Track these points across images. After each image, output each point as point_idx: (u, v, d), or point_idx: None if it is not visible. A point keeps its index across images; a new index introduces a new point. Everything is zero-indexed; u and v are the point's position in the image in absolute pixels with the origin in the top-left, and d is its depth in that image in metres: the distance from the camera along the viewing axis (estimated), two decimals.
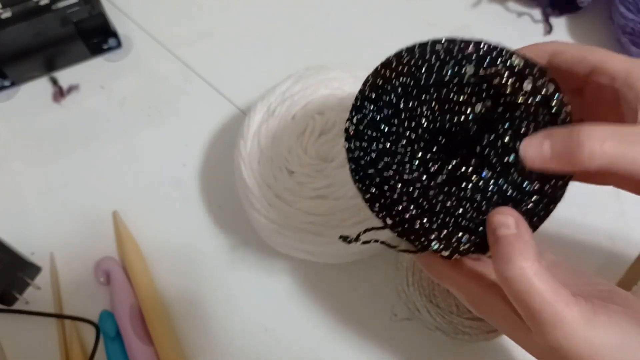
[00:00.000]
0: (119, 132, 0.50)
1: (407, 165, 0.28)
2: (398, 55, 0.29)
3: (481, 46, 0.28)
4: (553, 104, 0.27)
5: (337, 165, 0.41)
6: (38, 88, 0.52)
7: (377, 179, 0.28)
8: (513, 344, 0.42)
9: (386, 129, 0.28)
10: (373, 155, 0.28)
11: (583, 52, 0.29)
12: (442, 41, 0.28)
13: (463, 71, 0.27)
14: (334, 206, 0.40)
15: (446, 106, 0.27)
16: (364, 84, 0.29)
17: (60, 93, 0.52)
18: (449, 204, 0.27)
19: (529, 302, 0.24)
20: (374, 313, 0.43)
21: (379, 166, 0.28)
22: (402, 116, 0.28)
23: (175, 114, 0.51)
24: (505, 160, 0.27)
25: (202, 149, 0.49)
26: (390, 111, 0.28)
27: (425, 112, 0.28)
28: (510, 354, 0.42)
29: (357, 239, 0.31)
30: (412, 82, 0.28)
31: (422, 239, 0.28)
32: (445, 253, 0.28)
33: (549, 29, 0.53)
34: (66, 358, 0.42)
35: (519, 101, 0.27)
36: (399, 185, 0.28)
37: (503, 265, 0.24)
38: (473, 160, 0.27)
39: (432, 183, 0.28)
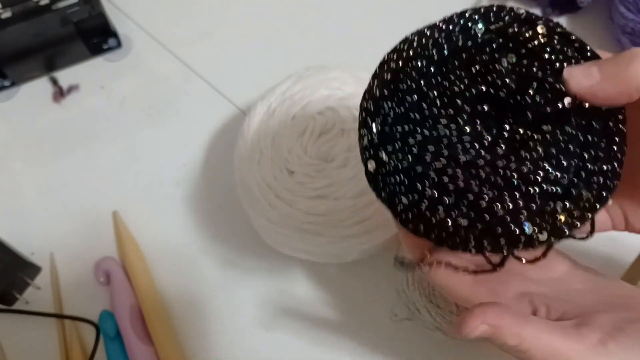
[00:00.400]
0: (119, 132, 0.50)
1: (459, 146, 0.23)
2: (395, 49, 0.25)
3: (479, 8, 0.25)
4: (574, 39, 0.24)
5: (337, 165, 0.41)
6: (38, 88, 0.52)
7: (432, 174, 0.23)
8: None
9: (418, 116, 0.24)
10: (415, 150, 0.23)
11: None
12: (436, 21, 0.25)
13: (473, 32, 0.24)
14: (334, 206, 0.40)
15: (473, 70, 0.24)
16: (369, 91, 0.25)
17: (60, 93, 0.52)
18: (525, 170, 0.23)
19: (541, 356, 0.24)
20: (374, 313, 0.43)
21: (427, 158, 0.23)
22: (431, 94, 0.24)
23: (175, 114, 0.51)
24: (560, 105, 0.23)
25: (202, 149, 0.49)
26: (414, 97, 0.24)
27: (455, 82, 0.24)
28: (510, 355, 0.42)
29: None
30: (425, 62, 0.24)
31: (512, 226, 0.23)
32: (543, 236, 0.23)
33: None
34: (66, 358, 0.42)
35: (542, 44, 0.24)
36: (459, 170, 0.23)
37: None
38: (527, 116, 0.23)
39: (495, 156, 0.23)
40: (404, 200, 0.24)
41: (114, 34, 0.52)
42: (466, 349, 0.41)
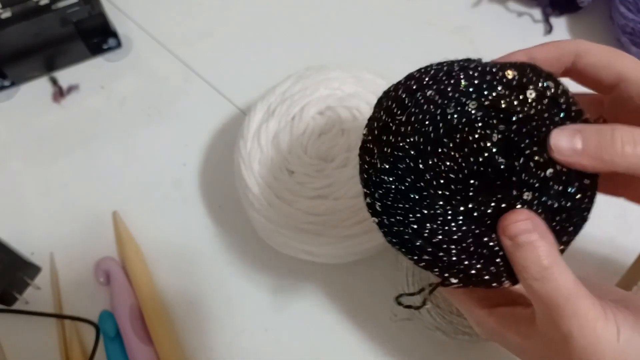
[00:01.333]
0: (119, 132, 0.50)
1: (453, 224, 0.26)
2: (390, 114, 0.27)
3: (470, 73, 0.26)
4: (562, 102, 0.26)
5: (337, 165, 0.41)
6: (38, 88, 0.52)
7: (429, 249, 0.26)
8: None
9: (417, 196, 0.26)
10: (414, 226, 0.26)
11: (609, 56, 0.27)
12: (430, 84, 0.26)
13: (467, 109, 0.26)
14: (334, 206, 0.40)
15: (465, 149, 0.26)
16: (370, 154, 0.27)
17: (60, 93, 0.52)
18: None
19: (550, 300, 0.24)
20: (373, 313, 0.43)
21: (425, 234, 0.26)
22: (427, 177, 0.26)
23: (175, 114, 0.51)
24: (542, 175, 0.25)
25: (202, 149, 0.49)
26: (412, 176, 0.26)
27: (449, 164, 0.26)
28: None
29: (423, 303, 0.29)
30: (422, 139, 0.26)
31: (494, 283, 0.26)
32: (518, 284, 0.27)
33: (549, 29, 0.53)
34: (66, 358, 0.42)
35: (531, 113, 0.26)
36: (453, 246, 0.26)
37: (529, 271, 0.25)
38: (513, 190, 0.26)
39: (483, 228, 0.26)
40: (403, 253, 0.27)
41: (114, 34, 0.52)
42: (466, 349, 0.42)
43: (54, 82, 0.53)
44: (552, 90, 0.26)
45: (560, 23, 0.54)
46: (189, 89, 0.52)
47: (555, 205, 0.26)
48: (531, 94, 0.26)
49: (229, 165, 0.44)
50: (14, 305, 0.43)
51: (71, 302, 0.44)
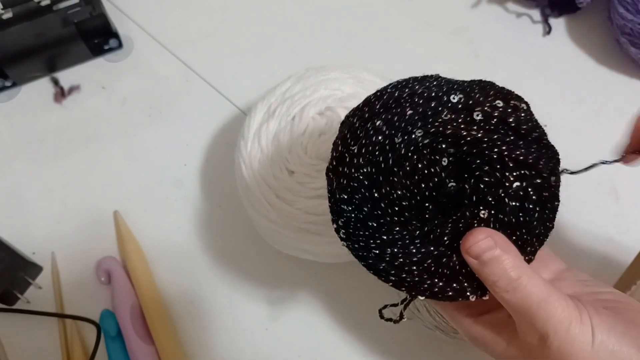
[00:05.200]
0: (120, 132, 0.51)
1: (412, 247, 0.27)
2: (345, 144, 0.28)
3: (416, 100, 0.27)
4: (511, 120, 0.26)
5: None
6: (39, 88, 0.53)
7: (392, 271, 0.27)
8: None
9: (374, 224, 0.27)
10: (376, 251, 0.27)
11: None
12: (379, 113, 0.27)
13: (414, 136, 0.26)
14: None
15: (416, 176, 0.26)
16: (330, 183, 0.28)
17: (61, 93, 0.52)
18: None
19: (524, 307, 0.25)
20: (373, 313, 0.43)
21: (387, 258, 0.27)
22: (382, 205, 0.27)
23: (176, 114, 0.51)
24: (497, 194, 0.26)
25: (202, 149, 0.50)
26: (368, 205, 0.27)
27: (401, 192, 0.27)
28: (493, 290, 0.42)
29: (400, 317, 0.30)
30: (374, 169, 0.27)
31: (460, 298, 0.27)
32: (485, 297, 0.28)
33: (548, 30, 0.53)
34: (67, 357, 0.42)
35: (479, 135, 0.26)
36: (414, 267, 0.27)
37: (499, 285, 0.26)
38: (468, 210, 0.26)
39: (442, 248, 0.27)
40: (374, 274, 0.28)
41: (115, 35, 0.52)
42: (466, 348, 0.42)
43: (56, 82, 0.53)
44: (501, 109, 0.26)
45: (559, 24, 0.54)
46: (189, 90, 0.52)
47: (514, 220, 0.26)
48: (477, 116, 0.26)
49: (229, 165, 0.44)
50: (15, 305, 0.43)
51: (72, 302, 0.44)
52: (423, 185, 0.26)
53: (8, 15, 0.48)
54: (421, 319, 0.40)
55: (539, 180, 0.26)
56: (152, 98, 0.52)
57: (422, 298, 0.28)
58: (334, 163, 0.28)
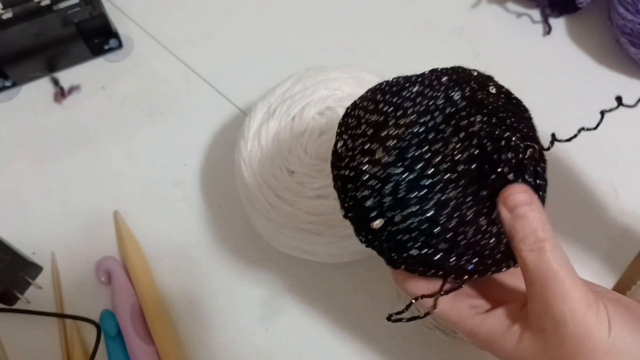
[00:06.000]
0: (120, 132, 0.51)
1: (463, 207, 0.26)
2: (382, 112, 0.28)
3: (447, 71, 0.29)
4: (513, 96, 0.29)
5: None
6: (39, 88, 0.53)
7: (448, 235, 0.26)
8: None
9: (428, 182, 0.26)
10: (429, 213, 0.26)
11: None
12: (413, 82, 0.28)
13: (454, 99, 0.27)
14: (334, 206, 0.40)
15: (460, 134, 0.27)
16: (371, 152, 0.27)
17: (61, 93, 0.52)
18: None
19: (543, 274, 0.25)
20: (373, 313, 0.43)
21: (442, 220, 0.26)
22: (435, 161, 0.26)
23: (176, 114, 0.51)
24: (518, 158, 0.27)
25: (202, 149, 0.50)
26: (421, 163, 0.26)
27: (451, 147, 0.27)
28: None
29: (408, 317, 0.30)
30: (422, 129, 0.27)
31: (504, 264, 0.27)
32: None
33: (548, 30, 0.53)
34: (67, 357, 0.42)
35: (499, 104, 0.28)
36: (468, 227, 0.26)
37: (526, 242, 0.25)
38: (501, 171, 0.27)
39: (486, 210, 0.27)
40: (414, 252, 0.27)
41: (115, 35, 0.52)
42: (466, 348, 0.42)
43: (56, 82, 0.53)
44: (503, 88, 0.29)
45: (559, 24, 0.54)
46: (189, 90, 0.52)
47: (532, 183, 0.27)
48: (492, 89, 0.28)
49: (229, 165, 0.44)
50: (15, 305, 0.43)
51: (72, 302, 0.44)
52: (467, 144, 0.27)
53: (8, 15, 0.48)
54: (421, 319, 0.39)
55: (536, 146, 0.28)
56: (152, 98, 0.52)
57: (470, 267, 0.27)
58: (371, 132, 0.28)
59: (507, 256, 0.27)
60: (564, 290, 0.24)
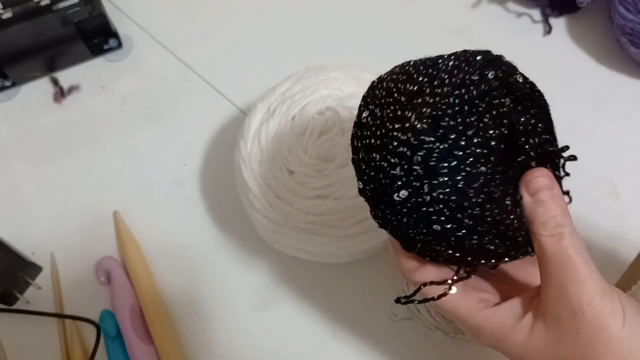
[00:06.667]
0: (120, 132, 0.51)
1: (492, 184, 0.26)
2: (417, 82, 0.27)
3: (481, 51, 0.29)
4: (536, 89, 0.29)
5: (337, 165, 0.41)
6: (39, 88, 0.53)
7: (475, 210, 0.26)
8: None
9: (461, 153, 0.26)
10: (460, 184, 0.25)
11: None
12: (449, 57, 0.29)
13: (488, 77, 0.27)
14: (334, 206, 0.40)
15: (493, 112, 0.27)
16: (403, 120, 0.26)
17: (61, 93, 0.52)
18: None
19: (561, 261, 0.25)
20: (373, 313, 0.43)
21: (470, 194, 0.26)
22: (469, 133, 0.26)
23: (176, 114, 0.51)
24: (539, 141, 0.27)
25: (202, 149, 0.50)
26: (454, 134, 0.26)
27: (484, 123, 0.26)
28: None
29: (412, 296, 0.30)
30: (457, 100, 0.26)
31: (523, 249, 0.27)
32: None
33: (548, 30, 0.53)
34: (67, 357, 0.42)
35: (527, 91, 0.28)
36: (494, 205, 0.26)
37: (546, 227, 0.25)
38: (526, 154, 0.27)
39: (511, 190, 0.26)
40: (437, 227, 0.26)
41: (115, 35, 0.52)
42: (465, 348, 0.42)
43: (55, 82, 0.53)
44: (528, 79, 0.29)
45: (559, 23, 0.54)
46: (189, 89, 0.52)
47: (554, 173, 0.27)
48: (519, 78, 0.28)
49: (229, 165, 0.44)
50: (15, 305, 0.43)
51: (72, 302, 0.44)
52: (498, 121, 0.27)
53: (8, 15, 0.48)
54: (421, 319, 0.40)
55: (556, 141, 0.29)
56: (152, 98, 0.52)
57: (491, 247, 0.27)
58: (405, 98, 0.27)
59: (526, 242, 0.27)
60: (581, 278, 0.24)
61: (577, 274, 0.24)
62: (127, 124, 0.51)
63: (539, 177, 0.26)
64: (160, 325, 0.42)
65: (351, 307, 0.43)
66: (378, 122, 0.27)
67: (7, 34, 0.48)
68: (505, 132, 0.27)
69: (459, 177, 0.25)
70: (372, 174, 0.27)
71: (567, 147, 0.29)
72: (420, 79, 0.27)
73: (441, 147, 0.26)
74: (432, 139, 0.26)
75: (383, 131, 0.27)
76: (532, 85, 0.29)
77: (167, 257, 0.45)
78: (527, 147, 0.27)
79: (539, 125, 0.28)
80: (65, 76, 0.53)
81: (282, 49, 0.54)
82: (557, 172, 0.28)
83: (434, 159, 0.25)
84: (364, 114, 0.29)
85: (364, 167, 0.28)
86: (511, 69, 0.28)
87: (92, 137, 0.50)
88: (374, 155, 0.27)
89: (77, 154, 0.50)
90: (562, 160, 0.29)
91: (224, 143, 0.49)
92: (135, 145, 0.50)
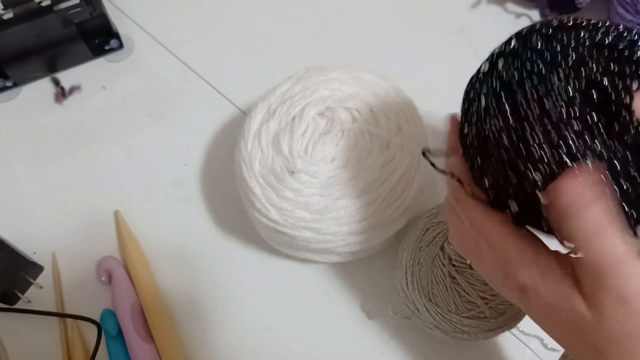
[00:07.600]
0: (121, 132, 0.51)
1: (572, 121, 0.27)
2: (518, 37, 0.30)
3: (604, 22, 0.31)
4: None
5: (337, 165, 0.41)
6: (40, 89, 0.53)
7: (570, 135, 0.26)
8: (512, 343, 0.42)
9: (555, 60, 0.28)
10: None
11: None
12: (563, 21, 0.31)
13: (582, 40, 0.30)
14: (334, 206, 0.40)
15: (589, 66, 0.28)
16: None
17: (62, 94, 0.52)
18: None
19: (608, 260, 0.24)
20: (373, 312, 0.43)
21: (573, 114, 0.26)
22: (570, 62, 0.28)
23: (177, 114, 0.51)
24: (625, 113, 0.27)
25: (203, 149, 0.50)
26: (559, 47, 0.29)
27: (587, 65, 0.28)
28: (509, 353, 0.42)
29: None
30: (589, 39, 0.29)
31: None
32: None
33: None
34: (68, 357, 0.42)
35: (615, 70, 0.28)
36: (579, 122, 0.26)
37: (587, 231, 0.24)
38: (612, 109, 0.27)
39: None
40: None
41: (116, 35, 0.53)
42: (465, 347, 0.42)
43: (56, 82, 0.53)
44: None
45: None
46: (190, 90, 0.52)
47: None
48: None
49: (229, 166, 0.45)
50: (16, 304, 0.43)
51: (73, 301, 0.44)
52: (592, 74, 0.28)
53: (9, 15, 0.48)
54: (420, 319, 0.40)
55: None
56: (153, 98, 0.52)
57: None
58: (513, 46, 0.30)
59: None
60: (626, 273, 0.23)
61: (621, 270, 0.23)
62: (128, 124, 0.51)
63: (576, 184, 0.24)
64: (161, 324, 0.42)
65: (351, 307, 0.44)
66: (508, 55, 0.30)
67: (8, 35, 0.48)
68: (601, 96, 0.27)
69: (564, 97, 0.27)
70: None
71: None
72: (539, 45, 0.30)
73: (540, 47, 0.29)
74: (539, 42, 0.30)
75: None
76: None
77: (168, 257, 0.46)
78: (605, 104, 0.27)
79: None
80: (66, 76, 0.53)
81: (283, 49, 0.54)
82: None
83: (529, 52, 0.30)
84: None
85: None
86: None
87: (93, 137, 0.51)
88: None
89: (78, 154, 0.50)
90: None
91: (224, 143, 0.49)
92: (136, 145, 0.50)
